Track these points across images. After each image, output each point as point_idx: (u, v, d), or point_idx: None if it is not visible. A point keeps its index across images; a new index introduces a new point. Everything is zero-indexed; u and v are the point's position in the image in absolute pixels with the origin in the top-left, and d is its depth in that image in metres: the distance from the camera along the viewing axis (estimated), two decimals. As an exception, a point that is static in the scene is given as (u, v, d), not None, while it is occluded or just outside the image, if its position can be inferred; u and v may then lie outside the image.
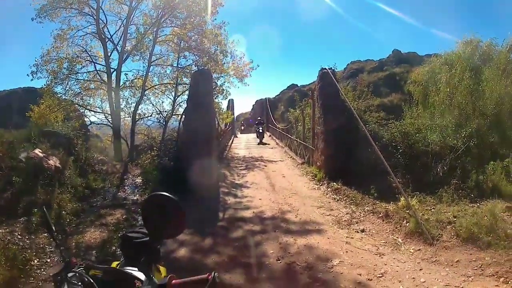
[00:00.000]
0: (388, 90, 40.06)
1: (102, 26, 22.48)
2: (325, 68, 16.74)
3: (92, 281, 2.14)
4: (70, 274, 2.17)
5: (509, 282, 6.21)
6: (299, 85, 60.59)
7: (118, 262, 2.70)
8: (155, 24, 23.28)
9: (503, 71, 19.62)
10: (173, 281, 2.31)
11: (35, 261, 7.30)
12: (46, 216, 2.62)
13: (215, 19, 25.33)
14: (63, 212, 9.78)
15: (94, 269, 2.30)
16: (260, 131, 35.85)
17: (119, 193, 13.10)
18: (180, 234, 2.49)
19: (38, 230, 8.52)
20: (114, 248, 8.44)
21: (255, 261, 7.75)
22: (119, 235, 8.72)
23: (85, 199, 11.58)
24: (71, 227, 9.25)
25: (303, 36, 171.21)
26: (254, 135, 38.71)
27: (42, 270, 7.05)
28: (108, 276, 2.27)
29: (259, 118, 42.51)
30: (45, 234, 8.34)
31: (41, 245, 7.97)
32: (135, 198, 12.59)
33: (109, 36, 22.90)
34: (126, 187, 13.87)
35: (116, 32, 23.25)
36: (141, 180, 14.41)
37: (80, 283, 2.13)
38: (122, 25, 23.08)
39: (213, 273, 2.18)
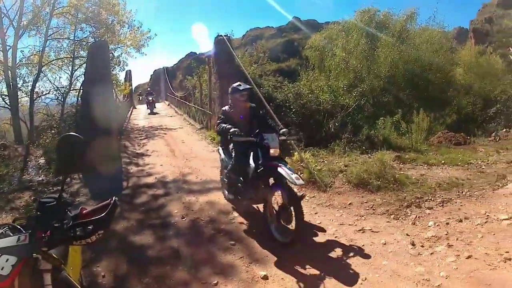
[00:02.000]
0: (286, 56, 40.50)
1: (-3, 1, 21.23)
2: (221, 35, 17.04)
3: (19, 227, 2.48)
4: None
5: (399, 218, 6.77)
6: (197, 53, 59.83)
7: None
8: (52, -5, 22.36)
9: (398, 38, 20.63)
10: (84, 211, 2.65)
11: None
12: None
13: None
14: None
15: (19, 220, 2.73)
16: (151, 101, 33.84)
17: (24, 176, 12.64)
18: (85, 167, 2.78)
19: None
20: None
21: (162, 221, 7.96)
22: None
23: (-10, 186, 11.18)
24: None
25: (203, 5, 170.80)
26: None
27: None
28: (30, 221, 2.56)
29: (148, 89, 41.17)
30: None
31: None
32: (41, 178, 12.21)
33: (4, 12, 21.72)
34: (30, 170, 13.45)
35: (12, 6, 22.06)
36: (44, 161, 14.04)
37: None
38: (18, -2, 21.92)
39: (113, 198, 2.56)
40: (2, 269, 2.08)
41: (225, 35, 17.12)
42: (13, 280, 2.09)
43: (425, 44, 21.47)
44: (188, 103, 27.39)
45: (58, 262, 2.46)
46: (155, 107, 34.29)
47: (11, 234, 2.36)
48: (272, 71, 24.89)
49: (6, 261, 2.11)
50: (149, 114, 31.82)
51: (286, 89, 15.94)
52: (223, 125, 7.25)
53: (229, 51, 16.28)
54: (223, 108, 7.80)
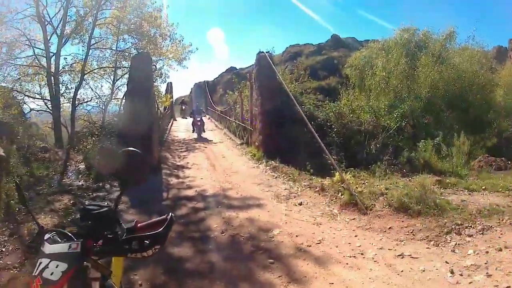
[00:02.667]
0: (326, 74, 40.19)
1: (42, 8, 21.67)
2: (263, 52, 17.14)
3: (71, 235, 2.46)
4: (46, 237, 2.42)
5: (439, 245, 6.68)
6: (238, 68, 59.68)
7: None
8: (95, 6, 22.88)
9: (437, 58, 20.43)
10: (139, 224, 2.69)
11: (-10, 252, 7.15)
12: (21, 191, 2.94)
13: (155, 1, 25.37)
14: (11, 201, 9.46)
15: (69, 227, 2.71)
16: (199, 123, 25.38)
17: (63, 180, 12.84)
18: (144, 179, 2.87)
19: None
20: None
21: (201, 235, 8.01)
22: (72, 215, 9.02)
23: (30, 187, 11.32)
24: (21, 216, 8.93)
25: (244, 20, 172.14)
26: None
27: (-1, 259, 6.99)
28: (82, 230, 2.55)
29: (196, 104, 32.48)
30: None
31: (-5, 237, 7.81)
32: (80, 183, 12.40)
33: (48, 19, 22.16)
34: (70, 174, 13.68)
35: (55, 14, 22.46)
36: (84, 166, 14.22)
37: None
38: (62, 7, 22.31)
39: (170, 214, 2.51)
40: (52, 274, 2.14)
41: (266, 52, 17.22)
42: (62, 286, 2.14)
43: (465, 64, 21.18)
44: (228, 117, 27.31)
45: (107, 271, 2.52)
46: (204, 131, 26.10)
47: (59, 240, 2.41)
48: (312, 89, 24.84)
49: (56, 267, 2.17)
50: (195, 138, 24.57)
51: (327, 108, 16.01)
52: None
53: (271, 68, 16.36)
54: None
